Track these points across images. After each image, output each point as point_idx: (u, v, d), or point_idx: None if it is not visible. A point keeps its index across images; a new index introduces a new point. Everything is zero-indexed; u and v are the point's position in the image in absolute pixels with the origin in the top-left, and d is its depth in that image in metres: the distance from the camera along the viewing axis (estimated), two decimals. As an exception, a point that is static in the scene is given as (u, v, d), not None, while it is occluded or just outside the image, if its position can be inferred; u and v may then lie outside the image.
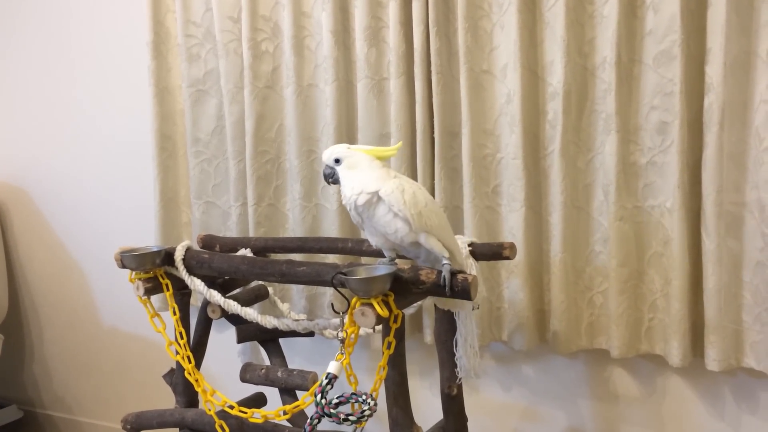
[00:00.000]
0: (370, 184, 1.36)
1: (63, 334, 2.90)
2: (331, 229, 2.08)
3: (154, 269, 1.68)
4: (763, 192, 1.58)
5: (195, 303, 1.99)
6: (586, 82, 1.75)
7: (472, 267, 1.59)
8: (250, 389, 1.90)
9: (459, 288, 1.33)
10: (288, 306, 2.04)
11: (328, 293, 2.10)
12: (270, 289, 2.00)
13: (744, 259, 1.64)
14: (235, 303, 1.70)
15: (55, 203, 2.79)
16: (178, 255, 1.67)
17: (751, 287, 1.63)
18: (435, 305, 1.64)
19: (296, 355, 2.29)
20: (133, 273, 1.68)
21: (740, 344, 1.66)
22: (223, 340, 2.28)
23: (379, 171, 1.38)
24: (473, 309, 1.58)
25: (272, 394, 1.91)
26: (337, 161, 1.39)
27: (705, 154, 1.62)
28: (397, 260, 1.46)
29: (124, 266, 1.68)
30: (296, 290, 2.17)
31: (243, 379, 1.79)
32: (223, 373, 2.26)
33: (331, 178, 1.41)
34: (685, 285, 1.67)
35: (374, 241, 1.45)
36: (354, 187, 1.37)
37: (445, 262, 1.36)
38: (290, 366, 1.95)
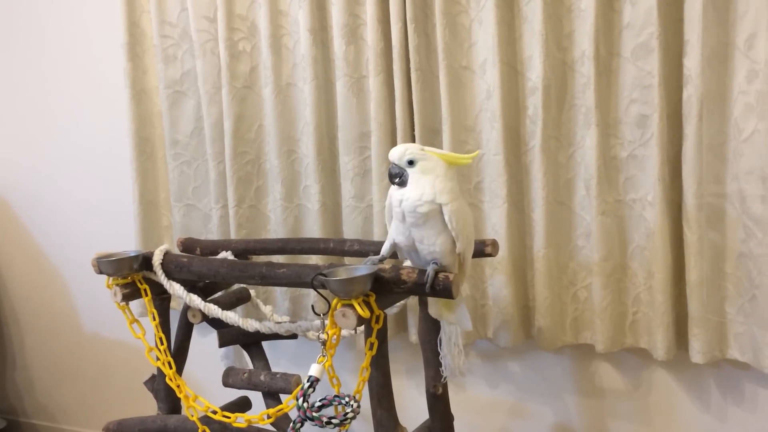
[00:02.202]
0: (441, 195, 1.28)
1: (44, 342, 2.86)
2: (313, 229, 2.06)
3: (131, 274, 1.65)
4: (744, 183, 1.58)
5: (176, 307, 1.97)
6: (565, 76, 1.75)
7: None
8: (235, 394, 1.88)
9: (440, 287, 1.32)
10: (271, 308, 2.01)
11: (311, 294, 2.08)
12: (252, 292, 1.97)
13: (726, 251, 1.64)
14: (216, 307, 1.68)
15: (33, 209, 2.75)
16: (156, 259, 1.64)
17: (733, 279, 1.63)
18: (419, 304, 1.62)
19: (281, 357, 2.27)
20: (111, 279, 1.65)
21: (724, 336, 1.66)
22: (206, 344, 2.26)
23: (452, 183, 1.30)
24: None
25: (257, 397, 1.88)
26: (410, 163, 1.29)
27: (685, 147, 1.61)
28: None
29: (101, 272, 1.65)
30: (280, 292, 2.14)
31: (226, 384, 1.76)
32: (207, 377, 2.24)
33: (399, 178, 1.30)
34: (668, 278, 1.67)
35: (396, 239, 1.36)
36: (424, 194, 1.28)
37: (433, 263, 1.34)
38: (276, 368, 1.93)
